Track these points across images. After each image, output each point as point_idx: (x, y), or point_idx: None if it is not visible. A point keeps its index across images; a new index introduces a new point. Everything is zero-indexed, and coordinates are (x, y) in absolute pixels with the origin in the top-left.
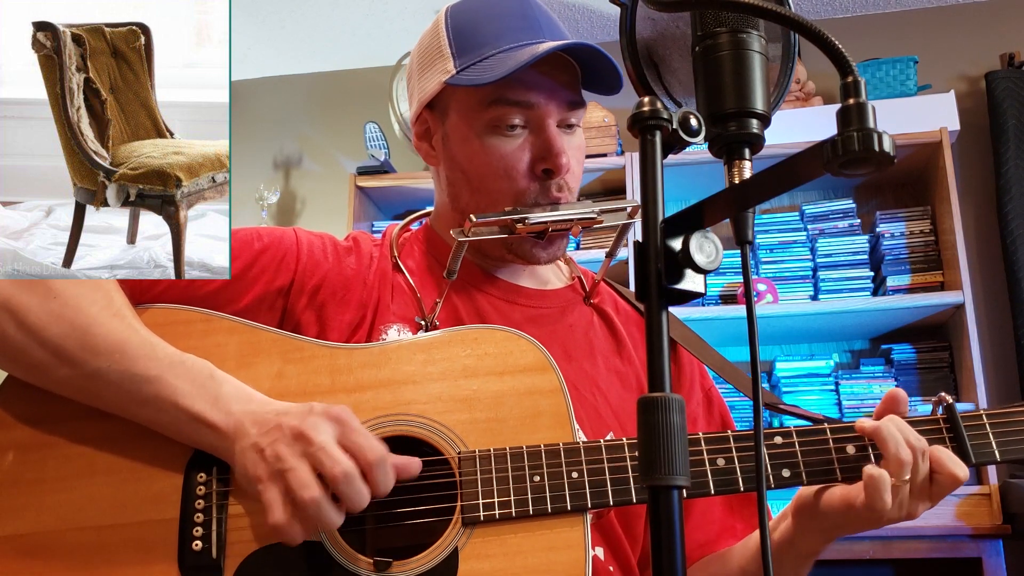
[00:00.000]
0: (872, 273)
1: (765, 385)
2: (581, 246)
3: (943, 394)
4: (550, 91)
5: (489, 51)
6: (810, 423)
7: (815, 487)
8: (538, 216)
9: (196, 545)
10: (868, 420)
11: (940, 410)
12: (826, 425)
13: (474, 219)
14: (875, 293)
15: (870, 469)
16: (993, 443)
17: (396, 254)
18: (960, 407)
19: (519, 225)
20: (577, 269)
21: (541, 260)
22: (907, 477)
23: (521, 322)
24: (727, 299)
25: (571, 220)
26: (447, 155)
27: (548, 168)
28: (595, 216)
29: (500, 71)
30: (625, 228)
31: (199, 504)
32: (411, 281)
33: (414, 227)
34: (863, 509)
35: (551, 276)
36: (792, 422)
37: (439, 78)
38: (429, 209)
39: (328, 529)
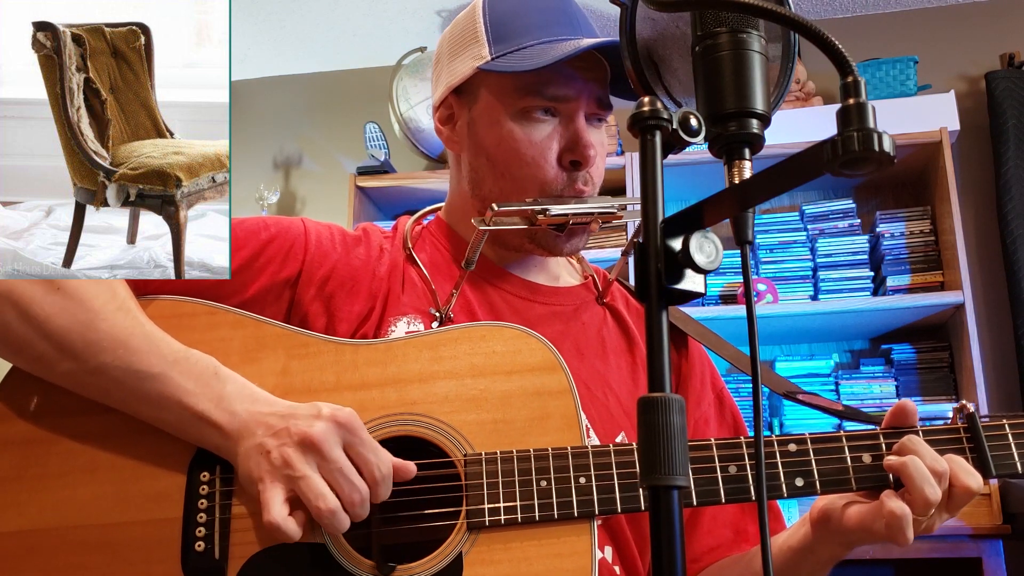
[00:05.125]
0: (872, 273)
1: None
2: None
3: (965, 402)
4: (583, 85)
5: (528, 41)
6: (826, 411)
7: (832, 499)
8: (559, 208)
9: (199, 546)
10: (894, 457)
11: (961, 418)
12: (842, 433)
13: (496, 208)
14: (875, 293)
15: (893, 505)
16: (1015, 454)
17: (410, 246)
18: None
19: (540, 217)
20: (589, 268)
21: (563, 251)
22: (931, 514)
23: (536, 318)
24: (727, 299)
25: (591, 214)
26: (472, 141)
27: (576, 159)
28: (615, 211)
29: (541, 60)
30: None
31: (202, 504)
32: (425, 273)
33: (426, 221)
34: (880, 536)
35: (563, 273)
36: (811, 416)
37: (472, 63)
38: (440, 204)
39: (335, 534)
